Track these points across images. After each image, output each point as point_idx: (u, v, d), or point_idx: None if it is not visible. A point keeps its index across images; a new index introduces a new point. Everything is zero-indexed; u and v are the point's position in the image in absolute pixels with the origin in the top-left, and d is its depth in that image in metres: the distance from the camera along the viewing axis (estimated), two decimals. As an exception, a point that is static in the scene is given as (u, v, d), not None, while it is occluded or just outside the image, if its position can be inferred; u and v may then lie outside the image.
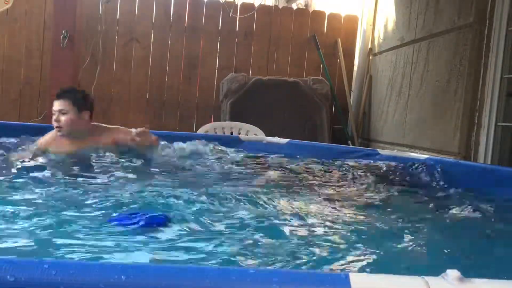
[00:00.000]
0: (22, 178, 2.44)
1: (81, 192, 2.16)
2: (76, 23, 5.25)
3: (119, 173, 2.63)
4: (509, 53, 3.60)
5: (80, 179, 2.48)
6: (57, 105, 2.98)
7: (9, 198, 1.98)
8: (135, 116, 6.09)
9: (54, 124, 3.00)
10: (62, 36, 5.06)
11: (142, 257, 1.40)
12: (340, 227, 1.83)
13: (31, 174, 2.53)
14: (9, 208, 1.76)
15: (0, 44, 5.93)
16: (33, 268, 0.76)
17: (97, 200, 2.00)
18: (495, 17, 3.65)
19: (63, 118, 2.96)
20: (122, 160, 2.95)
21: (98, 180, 2.47)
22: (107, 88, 6.07)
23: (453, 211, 2.18)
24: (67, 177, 2.53)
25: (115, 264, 0.81)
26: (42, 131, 3.90)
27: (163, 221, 1.72)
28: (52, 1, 5.45)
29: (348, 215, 2.05)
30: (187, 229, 1.67)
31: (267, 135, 4.38)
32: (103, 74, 6.01)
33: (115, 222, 1.70)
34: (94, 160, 2.94)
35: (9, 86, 5.99)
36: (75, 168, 2.83)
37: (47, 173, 2.60)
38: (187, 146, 3.25)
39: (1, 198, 1.97)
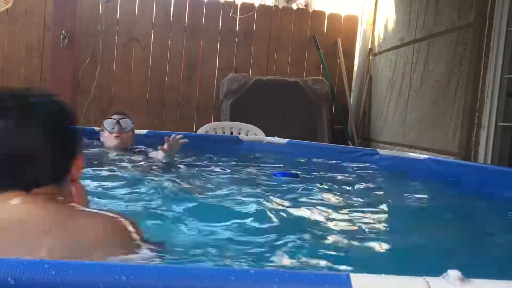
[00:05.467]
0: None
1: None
2: (76, 23, 5.25)
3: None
4: (509, 53, 3.60)
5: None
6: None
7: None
8: (135, 116, 6.05)
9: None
10: (62, 36, 5.06)
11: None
12: (339, 227, 1.83)
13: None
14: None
15: (0, 44, 5.92)
16: (33, 269, 0.76)
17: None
18: (495, 17, 3.65)
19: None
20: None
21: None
22: (107, 88, 6.07)
23: (453, 210, 2.18)
24: None
25: (116, 264, 0.80)
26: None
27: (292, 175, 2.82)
28: (52, 1, 5.45)
29: (347, 215, 2.05)
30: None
31: (267, 135, 4.38)
32: (103, 74, 6.01)
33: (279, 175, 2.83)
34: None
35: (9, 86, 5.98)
36: None
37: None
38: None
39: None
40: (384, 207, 2.25)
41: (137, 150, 3.46)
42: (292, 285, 0.79)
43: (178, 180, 2.54)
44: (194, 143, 4.01)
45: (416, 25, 4.80)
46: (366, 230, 1.82)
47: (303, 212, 2.02)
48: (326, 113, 5.96)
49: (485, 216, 2.26)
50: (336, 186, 2.71)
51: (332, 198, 2.36)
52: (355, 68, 6.39)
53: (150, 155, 3.29)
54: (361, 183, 2.83)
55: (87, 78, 5.92)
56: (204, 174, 2.88)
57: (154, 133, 4.12)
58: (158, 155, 3.13)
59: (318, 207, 2.14)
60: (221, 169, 3.13)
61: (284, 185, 2.65)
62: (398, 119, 5.07)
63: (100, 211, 1.17)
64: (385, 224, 1.90)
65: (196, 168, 3.11)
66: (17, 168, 1.04)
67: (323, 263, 1.39)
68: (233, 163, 3.40)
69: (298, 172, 2.93)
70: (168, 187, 2.36)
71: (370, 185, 2.80)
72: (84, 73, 5.88)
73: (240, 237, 1.63)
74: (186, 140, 3.06)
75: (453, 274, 0.78)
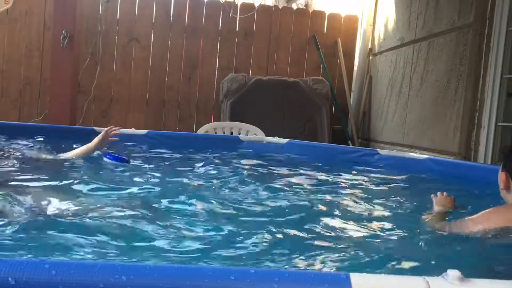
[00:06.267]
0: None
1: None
2: (76, 23, 5.25)
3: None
4: (509, 53, 3.60)
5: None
6: None
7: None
8: (135, 116, 6.09)
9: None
10: (62, 36, 5.06)
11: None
12: (339, 227, 1.83)
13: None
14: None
15: (0, 44, 5.93)
16: (33, 268, 0.76)
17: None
18: (495, 17, 3.65)
19: None
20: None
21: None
22: (107, 88, 6.08)
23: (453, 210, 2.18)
24: None
25: (115, 264, 0.80)
26: (42, 131, 3.92)
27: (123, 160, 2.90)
28: (52, 1, 5.45)
29: (347, 215, 2.05)
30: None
31: (267, 135, 4.38)
32: (103, 74, 6.01)
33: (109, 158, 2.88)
34: None
35: (9, 86, 5.99)
36: None
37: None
38: None
39: None
40: (384, 206, 2.25)
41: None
42: (292, 284, 0.80)
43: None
44: (194, 143, 4.02)
45: (416, 25, 4.80)
46: (366, 230, 1.82)
47: (302, 212, 2.02)
48: (326, 113, 5.96)
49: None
50: (335, 186, 2.71)
51: (332, 198, 2.36)
52: (355, 68, 6.39)
53: (25, 151, 3.06)
54: (361, 183, 2.83)
55: (87, 78, 5.93)
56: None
57: (154, 133, 4.12)
58: (91, 144, 3.02)
59: (318, 207, 2.14)
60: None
61: (284, 185, 2.65)
62: (398, 119, 5.08)
63: None
64: (385, 224, 1.90)
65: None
66: None
67: (323, 263, 1.39)
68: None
69: (125, 158, 2.95)
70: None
71: (370, 185, 2.80)
72: (84, 73, 5.88)
73: (235, 236, 1.63)
74: (117, 138, 3.09)
75: (453, 274, 0.78)
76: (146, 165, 3.06)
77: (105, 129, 3.04)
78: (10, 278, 0.74)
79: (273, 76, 6.13)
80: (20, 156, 2.91)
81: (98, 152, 3.05)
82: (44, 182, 2.33)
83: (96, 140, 3.00)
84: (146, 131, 4.04)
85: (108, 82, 6.08)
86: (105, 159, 2.91)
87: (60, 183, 2.28)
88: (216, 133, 4.84)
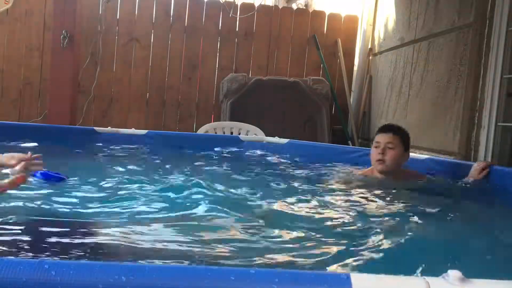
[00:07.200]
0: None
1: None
2: (76, 23, 5.25)
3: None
4: (509, 53, 3.60)
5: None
6: (386, 138, 2.94)
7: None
8: (135, 116, 6.09)
9: (378, 156, 2.90)
10: (62, 36, 5.06)
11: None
12: (339, 227, 1.83)
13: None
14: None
15: (0, 44, 5.92)
16: (33, 269, 0.76)
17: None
18: (495, 17, 3.64)
19: (389, 152, 2.88)
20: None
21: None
22: (107, 88, 6.08)
23: (453, 210, 2.18)
24: None
25: (115, 264, 0.80)
26: (42, 131, 3.92)
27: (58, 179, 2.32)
28: (52, 1, 5.45)
29: (347, 216, 2.05)
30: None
31: (267, 135, 4.38)
32: (103, 74, 6.01)
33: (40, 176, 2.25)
34: None
35: (9, 86, 5.99)
36: None
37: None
38: None
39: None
40: (384, 207, 2.25)
41: None
42: (292, 285, 0.79)
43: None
44: (194, 143, 4.02)
45: (416, 25, 4.80)
46: (366, 230, 1.81)
47: (302, 212, 2.02)
48: (326, 113, 5.95)
49: (485, 215, 2.26)
50: (335, 186, 2.71)
51: (332, 198, 2.36)
52: (355, 68, 6.39)
53: None
54: (361, 183, 2.83)
55: (87, 78, 5.93)
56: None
57: (154, 133, 4.12)
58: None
59: (318, 207, 2.14)
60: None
61: (282, 184, 2.65)
62: (398, 119, 5.07)
63: None
64: (386, 224, 1.90)
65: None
66: None
67: (323, 263, 1.39)
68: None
69: (61, 175, 2.34)
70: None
71: (370, 185, 2.80)
72: (84, 73, 5.88)
73: (235, 236, 1.63)
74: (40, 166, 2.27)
75: (453, 274, 0.78)
76: (145, 165, 3.06)
77: (22, 162, 2.12)
78: (9, 279, 0.74)
79: (273, 76, 6.13)
80: None
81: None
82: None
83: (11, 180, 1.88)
84: (146, 131, 4.04)
85: (108, 82, 6.08)
86: (35, 177, 2.25)
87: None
88: (216, 133, 4.84)
